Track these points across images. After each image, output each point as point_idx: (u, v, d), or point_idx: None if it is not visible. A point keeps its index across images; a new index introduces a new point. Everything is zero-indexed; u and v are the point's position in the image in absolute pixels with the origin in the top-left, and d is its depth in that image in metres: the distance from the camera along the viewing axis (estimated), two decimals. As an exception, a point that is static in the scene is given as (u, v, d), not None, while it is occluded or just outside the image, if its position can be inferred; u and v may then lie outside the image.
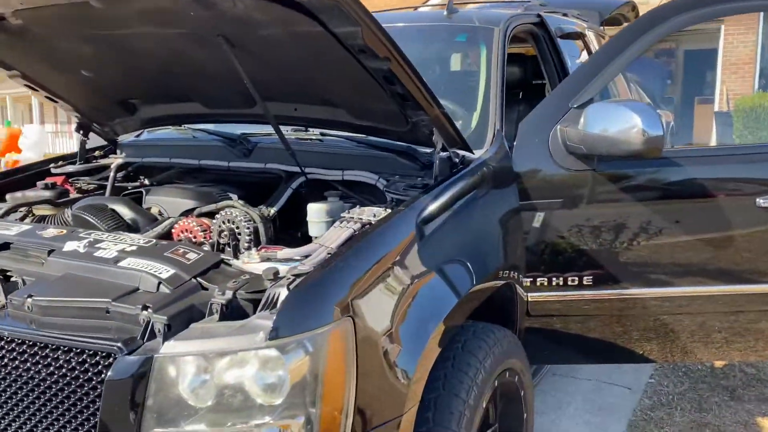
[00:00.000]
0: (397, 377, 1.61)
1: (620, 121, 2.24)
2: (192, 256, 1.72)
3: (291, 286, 1.52)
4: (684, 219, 2.50)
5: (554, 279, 2.50)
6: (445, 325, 1.81)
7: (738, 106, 10.59)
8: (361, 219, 1.94)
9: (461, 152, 2.29)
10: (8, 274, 1.81)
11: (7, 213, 2.32)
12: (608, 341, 2.67)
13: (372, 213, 1.97)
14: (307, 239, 2.23)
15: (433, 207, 1.97)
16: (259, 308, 1.52)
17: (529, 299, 2.49)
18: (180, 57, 2.23)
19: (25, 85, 2.63)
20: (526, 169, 2.43)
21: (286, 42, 1.94)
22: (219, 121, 2.80)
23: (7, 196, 2.54)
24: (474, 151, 2.34)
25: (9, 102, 28.37)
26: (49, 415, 1.49)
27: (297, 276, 1.58)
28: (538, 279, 2.48)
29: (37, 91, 2.65)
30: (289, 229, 2.36)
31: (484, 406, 1.95)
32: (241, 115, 2.56)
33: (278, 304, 1.49)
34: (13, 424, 1.54)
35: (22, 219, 2.33)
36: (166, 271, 1.63)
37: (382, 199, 2.22)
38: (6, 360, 1.53)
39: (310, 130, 2.59)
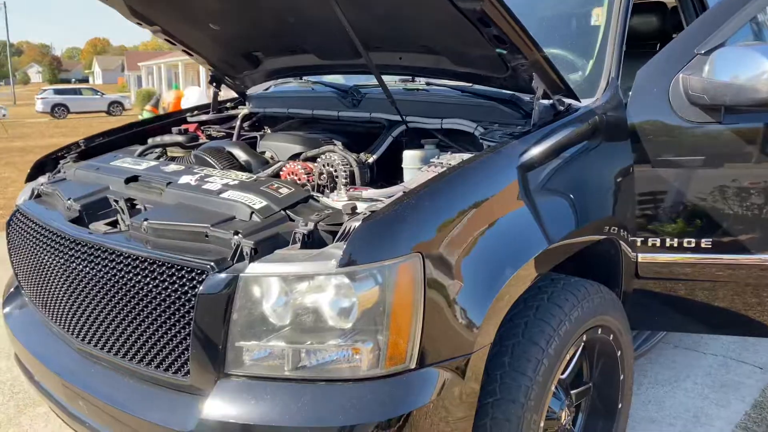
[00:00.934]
0: (465, 317, 1.62)
1: (749, 67, 2.03)
2: (284, 190, 1.84)
3: (364, 220, 1.59)
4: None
5: (668, 240, 2.34)
6: (528, 272, 1.79)
7: None
8: (448, 164, 1.95)
9: (567, 100, 2.20)
10: (134, 202, 2.06)
11: (144, 153, 2.62)
12: (734, 311, 2.47)
13: (460, 159, 1.97)
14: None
15: (528, 153, 1.94)
16: (335, 239, 1.61)
17: (639, 260, 2.36)
18: (292, 8, 2.35)
19: (165, 40, 2.91)
20: (642, 121, 2.28)
21: (383, -13, 1.97)
22: (334, 72, 2.91)
23: (149, 140, 2.86)
24: (582, 100, 2.23)
25: (181, 68, 31.20)
26: (156, 321, 1.70)
27: (373, 212, 1.64)
28: (650, 239, 2.34)
29: (175, 45, 2.92)
30: (391, 176, 2.43)
31: (567, 358, 1.91)
32: (351, 65, 2.65)
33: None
34: (128, 328, 1.78)
35: (157, 158, 2.62)
36: (259, 203, 1.77)
37: (479, 148, 2.20)
38: (123, 272, 1.76)
39: (417, 79, 2.62)
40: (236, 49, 2.88)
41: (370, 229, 1.55)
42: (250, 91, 3.28)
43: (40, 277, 2.12)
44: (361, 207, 1.74)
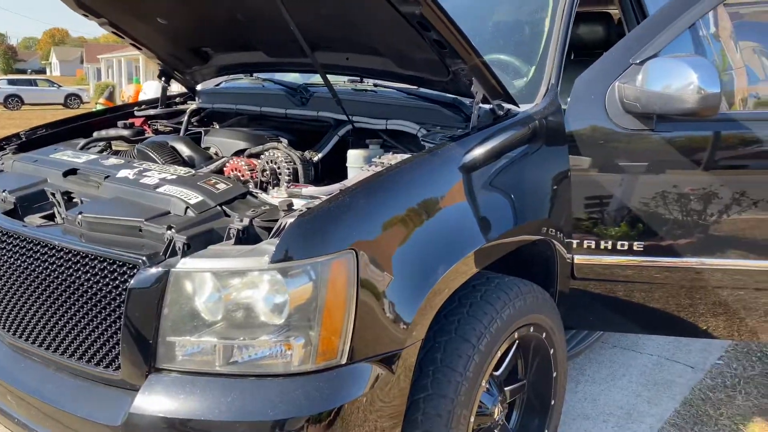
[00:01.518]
0: (397, 314, 1.66)
1: (678, 78, 2.12)
2: (221, 186, 1.85)
3: (299, 217, 1.61)
4: (751, 190, 2.32)
5: (602, 242, 2.42)
6: (460, 270, 1.83)
7: None
8: (389, 164, 1.99)
9: (507, 105, 2.26)
10: (71, 195, 2.04)
11: (86, 146, 2.58)
12: (668, 312, 2.56)
13: (400, 159, 2.01)
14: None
15: (465, 155, 1.98)
16: (270, 235, 1.63)
17: (576, 261, 2.43)
18: (239, 4, 2.35)
19: (113, 32, 2.87)
20: (579, 127, 2.36)
21: (326, -12, 2.00)
22: (283, 70, 2.92)
23: (94, 134, 2.82)
24: (521, 105, 2.30)
25: (141, 61, 30.59)
26: (87, 315, 1.69)
27: (309, 209, 1.66)
28: (585, 241, 2.42)
29: (123, 38, 2.89)
30: (336, 175, 2.45)
31: (499, 355, 1.96)
32: (299, 64, 2.67)
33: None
34: (60, 322, 1.76)
35: (100, 152, 2.58)
36: (194, 198, 1.77)
37: (422, 149, 2.25)
38: (56, 266, 1.74)
39: (365, 80, 2.66)
40: (185, 44, 2.86)
41: (303, 226, 1.57)
42: (200, 87, 3.26)
43: (-28, 270, 2.07)
44: (298, 204, 1.76)
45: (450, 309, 1.90)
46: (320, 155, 2.38)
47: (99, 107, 12.58)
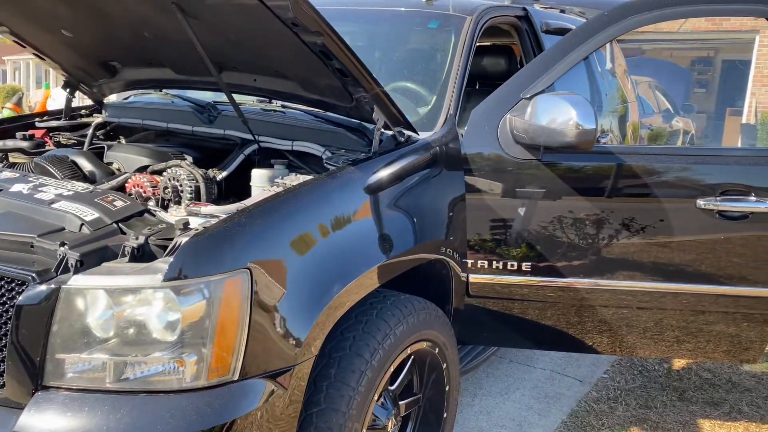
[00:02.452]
0: (290, 332, 1.72)
1: (559, 113, 2.31)
2: (119, 203, 1.86)
3: (194, 236, 1.65)
4: (631, 216, 2.54)
5: (494, 262, 2.58)
6: (355, 289, 1.92)
7: (765, 119, 10.36)
8: (284, 184, 2.06)
9: (407, 132, 2.39)
10: (-40, 208, 1.98)
11: (-20, 157, 2.50)
12: (552, 328, 2.74)
13: (301, 180, 2.08)
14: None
15: (365, 179, 2.08)
16: (165, 253, 1.66)
17: (470, 279, 2.58)
18: (147, 23, 2.37)
19: (14, 41, 2.80)
20: (474, 154, 2.51)
21: (232, 13, 2.06)
22: (192, 88, 2.94)
23: (-11, 144, 2.73)
24: (420, 133, 2.43)
25: (52, 66, 29.13)
26: (-30, 333, 1.65)
27: (207, 228, 1.70)
28: (479, 261, 2.57)
29: (24, 47, 2.82)
30: (243, 194, 2.49)
31: (391, 369, 2.06)
32: (205, 82, 2.70)
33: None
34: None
35: (-4, 164, 2.51)
36: (90, 215, 1.78)
37: (325, 171, 2.33)
38: (-61, 281, 1.69)
39: (274, 102, 2.72)
40: (91, 58, 2.83)
41: (198, 245, 1.61)
42: (107, 100, 3.22)
43: None
44: (196, 222, 1.79)
45: (346, 326, 1.98)
46: (224, 174, 2.42)
47: (6, 112, 11.91)
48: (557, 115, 2.33)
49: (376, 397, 1.99)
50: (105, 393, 1.60)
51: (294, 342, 1.73)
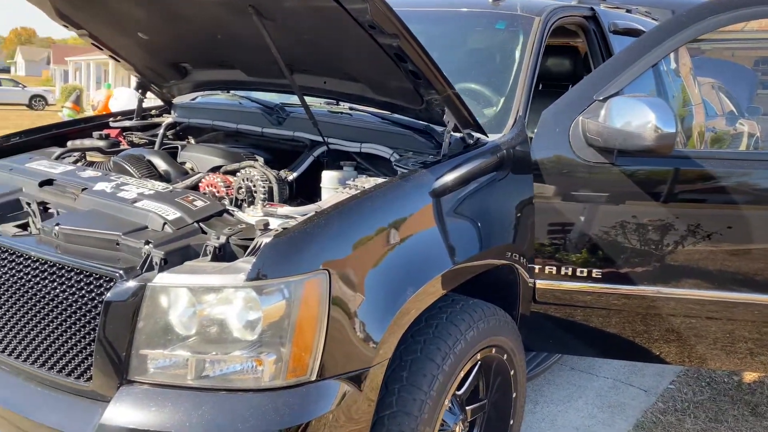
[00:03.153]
0: (366, 333, 1.73)
1: (637, 116, 2.25)
2: (199, 203, 1.90)
3: (275, 236, 1.67)
4: (705, 223, 2.45)
5: (562, 268, 2.53)
6: (428, 293, 1.91)
7: (836, 121, 9.88)
8: (362, 186, 2.06)
9: (476, 134, 2.36)
10: (47, 206, 2.06)
11: (61, 156, 2.59)
12: (624, 337, 2.68)
13: (374, 182, 2.09)
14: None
15: (436, 181, 2.07)
16: (246, 253, 1.68)
17: (537, 285, 2.53)
18: (221, 25, 2.42)
19: (92, 44, 2.90)
20: (544, 157, 2.47)
21: (308, 15, 2.07)
22: (260, 89, 2.98)
23: (69, 143, 2.83)
24: (490, 135, 2.40)
25: (111, 66, 30.19)
26: (61, 325, 1.71)
27: (286, 229, 1.72)
28: (547, 266, 2.52)
29: (101, 49, 2.91)
30: (311, 195, 2.52)
31: (461, 375, 2.04)
32: (276, 84, 2.73)
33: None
34: (32, 331, 1.77)
35: (75, 162, 2.60)
36: (173, 214, 1.82)
37: (394, 173, 2.33)
38: (30, 276, 1.76)
39: (341, 103, 2.74)
40: (164, 59, 2.90)
41: (279, 245, 1.63)
42: (176, 101, 3.30)
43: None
44: (274, 223, 1.82)
45: (417, 329, 1.97)
46: (295, 175, 2.44)
47: (66, 111, 12.39)
48: (634, 117, 2.26)
49: (446, 402, 1.98)
50: (187, 389, 1.63)
51: (370, 343, 1.74)
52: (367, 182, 2.12)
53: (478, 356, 2.12)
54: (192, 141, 3.10)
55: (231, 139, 2.96)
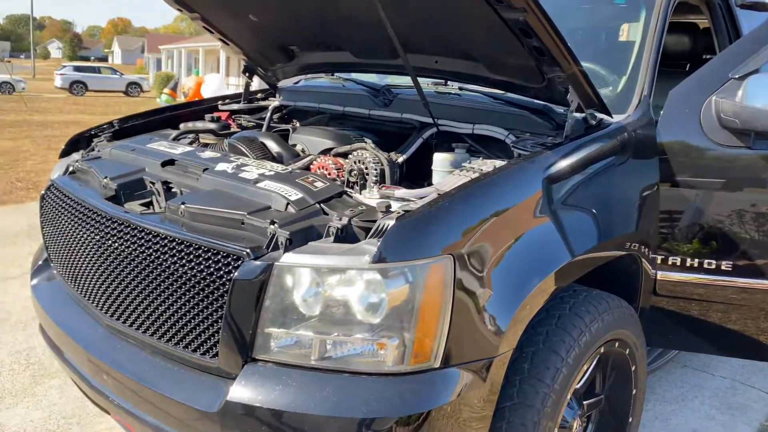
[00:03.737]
0: (491, 322, 1.66)
1: (783, 95, 2.05)
2: (319, 184, 1.88)
3: (399, 219, 1.62)
4: None
5: (688, 260, 2.36)
6: (552, 282, 1.82)
7: None
8: (480, 169, 1.99)
9: (599, 115, 2.23)
10: (170, 185, 2.11)
11: (177, 138, 2.66)
12: (747, 335, 2.49)
13: (492, 165, 2.01)
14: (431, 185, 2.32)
15: (559, 165, 1.97)
16: (369, 235, 1.65)
17: (658, 277, 2.38)
18: (333, 5, 2.39)
19: (203, 27, 2.95)
20: (671, 141, 2.31)
21: (428, -9, 2.00)
22: (367, 71, 2.95)
23: (181, 125, 2.91)
24: (614, 116, 2.26)
25: (201, 54, 31.33)
26: (188, 302, 1.74)
27: (407, 212, 1.68)
28: (670, 258, 2.37)
29: (212, 33, 2.96)
30: (418, 177, 2.47)
31: (584, 368, 1.94)
32: (386, 65, 2.69)
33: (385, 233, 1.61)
34: (160, 308, 1.82)
35: (190, 144, 2.66)
36: (294, 194, 1.81)
37: (509, 155, 2.24)
38: (161, 254, 1.80)
39: (450, 83, 2.66)
40: (273, 42, 2.92)
41: (404, 228, 1.59)
42: (281, 84, 3.33)
43: (72, 252, 2.17)
44: (395, 206, 1.77)
45: (537, 320, 1.88)
46: (404, 157, 2.39)
47: (164, 97, 12.95)
48: (779, 96, 2.06)
49: (569, 396, 1.88)
50: (310, 370, 1.62)
51: (494, 333, 1.67)
52: (484, 165, 2.04)
53: (602, 349, 2.01)
54: (297, 124, 3.11)
55: (336, 122, 2.95)
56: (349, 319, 1.60)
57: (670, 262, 2.38)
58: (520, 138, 2.24)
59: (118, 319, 1.97)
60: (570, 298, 1.97)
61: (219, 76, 13.77)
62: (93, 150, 2.62)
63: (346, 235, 1.69)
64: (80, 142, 2.73)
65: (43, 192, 2.43)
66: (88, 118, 16.96)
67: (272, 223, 1.69)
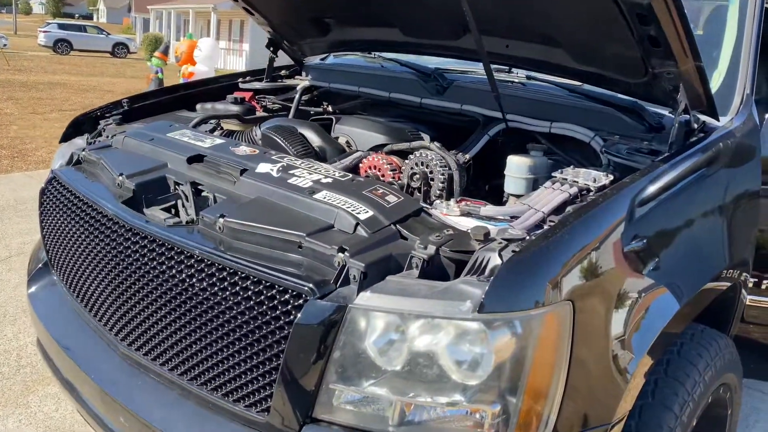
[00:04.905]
0: (613, 380, 1.35)
1: None
2: (392, 199, 1.54)
3: (503, 253, 1.29)
4: None
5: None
6: (674, 326, 1.51)
7: None
8: (576, 182, 1.66)
9: (702, 117, 1.90)
10: (199, 187, 1.75)
11: (198, 124, 2.29)
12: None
13: (591, 177, 1.67)
14: (497, 193, 1.99)
15: (677, 178, 1.63)
16: (464, 271, 1.32)
17: (747, 302, 2.09)
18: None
19: (227, -6, 2.56)
20: (776, 150, 1.99)
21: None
22: (413, 52, 2.58)
23: (198, 106, 2.53)
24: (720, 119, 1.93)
25: (192, 15, 30.35)
26: (233, 343, 1.41)
27: (509, 241, 1.35)
28: (764, 281, 2.07)
29: (236, 0, 2.57)
30: (476, 180, 2.14)
31: (694, 424, 1.64)
32: (442, 47, 2.33)
33: (487, 271, 1.28)
34: (193, 345, 1.49)
35: (212, 131, 2.30)
36: (364, 212, 1.46)
37: (593, 161, 1.91)
38: (194, 279, 1.46)
39: (514, 71, 2.31)
40: (306, 13, 2.54)
41: (515, 269, 1.25)
42: (306, 60, 2.95)
43: (79, 262, 1.82)
44: (493, 232, 1.43)
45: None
46: (467, 157, 2.05)
47: (155, 60, 12.37)
48: None
49: (677, 458, 1.59)
50: (385, 436, 1.30)
51: (615, 393, 1.36)
52: (579, 175, 1.70)
53: (710, 399, 1.71)
54: (329, 108, 2.75)
55: (376, 109, 2.59)
56: (438, 377, 1.28)
57: (763, 286, 2.09)
58: (610, 141, 1.91)
59: (137, 350, 1.63)
60: (677, 338, 1.67)
61: (212, 41, 13.19)
62: (100, 135, 2.25)
63: (432, 268, 1.36)
64: (85, 123, 2.36)
65: (43, 186, 2.06)
66: (74, 79, 16.26)
67: (341, 250, 1.35)
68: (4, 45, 26.27)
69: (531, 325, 1.24)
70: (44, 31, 28.96)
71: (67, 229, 1.88)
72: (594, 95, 2.06)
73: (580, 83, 2.12)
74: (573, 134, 1.99)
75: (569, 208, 1.51)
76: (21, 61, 21.11)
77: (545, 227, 1.45)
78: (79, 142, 2.24)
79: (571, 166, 1.77)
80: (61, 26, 30.61)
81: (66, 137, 2.31)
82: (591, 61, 1.94)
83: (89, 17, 75.59)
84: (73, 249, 1.84)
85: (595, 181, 1.64)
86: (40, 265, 2.15)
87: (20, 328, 3.25)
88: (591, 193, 1.60)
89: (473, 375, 1.27)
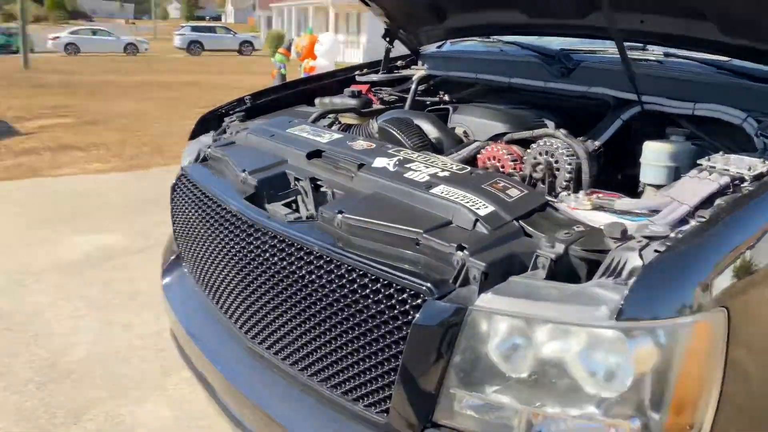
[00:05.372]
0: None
1: None
2: (514, 192, 1.44)
3: (644, 253, 1.16)
4: None
5: None
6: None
7: None
8: (728, 171, 1.47)
9: None
10: (318, 182, 1.75)
11: (318, 119, 2.31)
12: None
13: (745, 164, 1.48)
14: (631, 183, 1.82)
15: None
16: (598, 273, 1.20)
17: None
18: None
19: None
20: None
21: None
22: (535, 33, 2.44)
23: (316, 101, 2.55)
24: None
25: (311, 11, 31.33)
26: (351, 342, 1.39)
27: (650, 239, 1.21)
28: None
29: (353, -8, 2.56)
30: (606, 169, 1.97)
31: None
32: (567, 26, 2.18)
33: (625, 273, 1.16)
34: (313, 341, 1.48)
35: (330, 126, 2.30)
36: (484, 207, 1.38)
37: (745, 146, 1.69)
38: (313, 276, 1.45)
39: (649, 48, 2.11)
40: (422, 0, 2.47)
41: (659, 271, 1.12)
42: (422, 49, 2.89)
43: (206, 256, 1.89)
44: (629, 227, 1.30)
45: None
46: (598, 144, 1.90)
47: (278, 56, 12.92)
48: None
49: None
50: (510, 447, 1.22)
51: (775, 414, 1.19)
52: (730, 163, 1.50)
53: None
54: (445, 97, 2.67)
55: (494, 96, 2.47)
56: (570, 387, 1.18)
57: None
58: (765, 123, 1.68)
59: (261, 344, 1.66)
60: None
61: (332, 35, 13.52)
62: (224, 132, 2.32)
63: (560, 269, 1.25)
64: (210, 121, 2.45)
65: (174, 182, 2.16)
66: (205, 78, 17.36)
67: (461, 248, 1.28)
68: (146, 48, 28.56)
69: (676, 336, 1.10)
70: (179, 34, 31.23)
71: (195, 224, 1.95)
72: (746, 71, 1.83)
73: (727, 59, 1.89)
74: (721, 116, 1.78)
75: (719, 200, 1.34)
76: (159, 63, 22.85)
77: (692, 223, 1.29)
78: (206, 139, 2.33)
79: (720, 153, 1.58)
80: (194, 29, 32.84)
81: (194, 134, 2.41)
82: (743, 33, 1.72)
83: (218, 18, 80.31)
84: (200, 243, 1.91)
85: (750, 169, 1.45)
86: (173, 257, 2.26)
87: (158, 313, 3.48)
88: (746, 183, 1.42)
89: (609, 387, 1.15)
